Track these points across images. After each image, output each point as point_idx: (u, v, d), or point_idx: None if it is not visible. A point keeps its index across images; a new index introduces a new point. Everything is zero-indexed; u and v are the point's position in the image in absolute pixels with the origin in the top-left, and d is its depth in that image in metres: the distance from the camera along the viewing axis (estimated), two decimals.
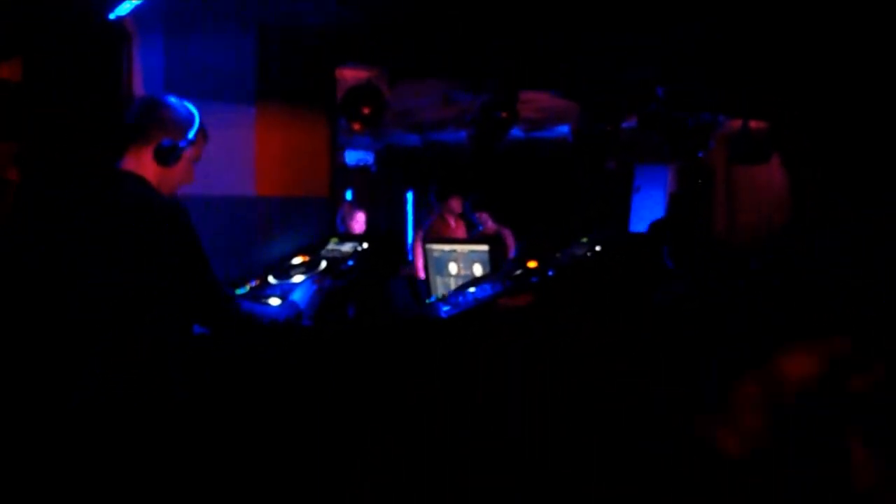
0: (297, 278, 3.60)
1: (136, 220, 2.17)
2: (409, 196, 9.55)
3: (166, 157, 2.35)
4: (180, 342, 2.18)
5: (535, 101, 6.56)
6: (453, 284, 3.70)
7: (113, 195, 2.24)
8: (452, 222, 6.89)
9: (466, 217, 7.24)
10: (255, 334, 2.42)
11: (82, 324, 2.09)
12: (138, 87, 3.72)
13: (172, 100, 2.45)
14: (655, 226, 3.96)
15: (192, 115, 2.43)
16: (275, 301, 3.47)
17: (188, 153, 2.42)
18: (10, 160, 3.20)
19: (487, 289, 2.55)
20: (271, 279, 3.62)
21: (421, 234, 7.05)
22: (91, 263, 2.13)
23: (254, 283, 3.59)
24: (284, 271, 3.69)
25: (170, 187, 2.42)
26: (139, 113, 2.40)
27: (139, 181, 2.32)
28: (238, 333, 2.38)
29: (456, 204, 6.89)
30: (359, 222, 6.81)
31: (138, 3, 3.44)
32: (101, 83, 3.57)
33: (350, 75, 5.14)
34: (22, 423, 2.03)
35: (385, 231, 8.64)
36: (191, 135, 2.40)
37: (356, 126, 5.27)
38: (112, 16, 3.54)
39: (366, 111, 5.21)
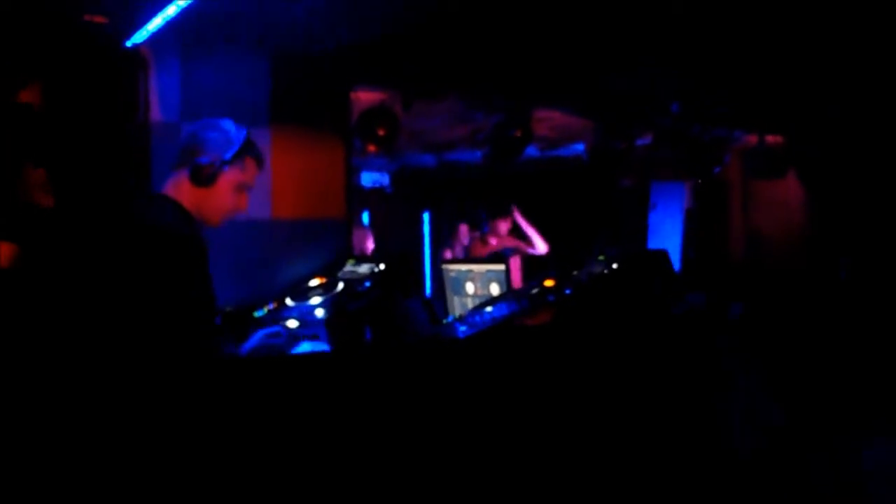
0: (315, 300, 3.61)
1: (138, 249, 2.13)
2: (426, 216, 9.56)
3: (201, 177, 2.28)
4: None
5: (549, 119, 6.57)
6: (470, 304, 3.69)
7: (124, 222, 2.21)
8: (495, 242, 6.69)
9: (482, 231, 7.24)
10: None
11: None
12: (155, 113, 3.75)
13: (221, 121, 2.38)
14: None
15: (235, 136, 2.35)
16: (293, 323, 3.47)
17: (230, 175, 2.33)
18: (43, 187, 3.10)
19: (504, 308, 2.54)
20: (289, 301, 3.63)
21: (449, 252, 7.05)
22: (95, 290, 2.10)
23: (272, 306, 3.60)
24: (302, 293, 3.70)
25: (212, 213, 2.34)
26: (186, 136, 2.35)
27: (166, 206, 2.26)
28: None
29: (504, 226, 6.64)
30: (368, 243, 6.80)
31: (155, 30, 3.49)
32: (119, 110, 3.60)
33: (364, 97, 5.17)
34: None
35: (401, 252, 8.64)
36: (228, 155, 2.32)
37: (371, 148, 5.29)
38: (129, 43, 3.59)
39: (380, 133, 5.23)
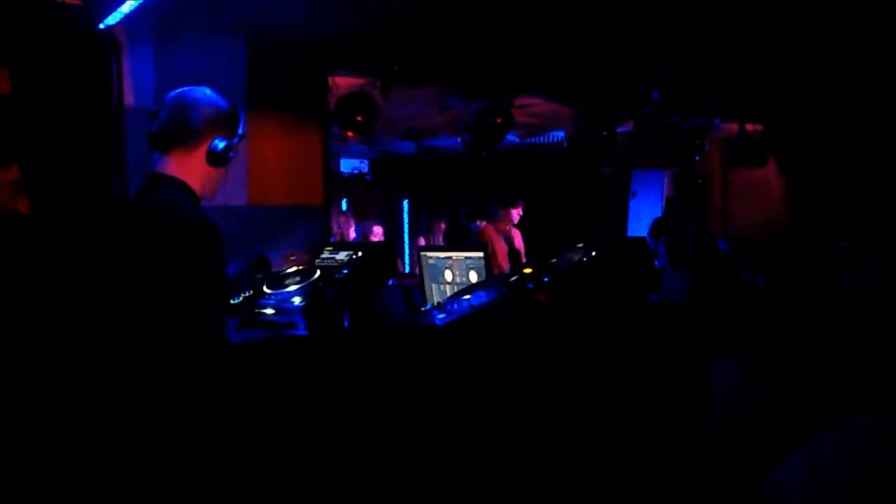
0: (292, 287, 3.56)
1: (163, 239, 2.04)
2: (405, 204, 9.52)
3: (221, 158, 2.20)
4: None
5: (530, 106, 6.54)
6: (449, 292, 3.66)
7: (141, 213, 2.13)
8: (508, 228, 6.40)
9: (463, 225, 7.20)
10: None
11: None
12: (129, 97, 3.69)
13: (207, 92, 2.27)
14: (655, 227, 3.94)
15: (237, 109, 2.27)
16: (269, 311, 3.43)
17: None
18: (15, 190, 2.88)
19: (482, 296, 2.51)
20: (266, 289, 3.59)
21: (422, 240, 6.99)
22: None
23: (248, 293, 3.55)
24: (279, 281, 3.66)
25: (213, 189, 2.27)
26: (181, 113, 2.22)
27: (176, 188, 2.17)
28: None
29: (516, 214, 6.39)
30: (376, 234, 6.74)
31: (128, 12, 3.42)
32: (92, 94, 3.54)
33: (343, 83, 5.12)
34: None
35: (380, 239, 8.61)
36: (241, 129, 2.25)
37: (349, 134, 5.24)
38: (102, 26, 3.52)
39: (359, 119, 5.18)
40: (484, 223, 6.17)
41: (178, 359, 2.01)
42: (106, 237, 2.17)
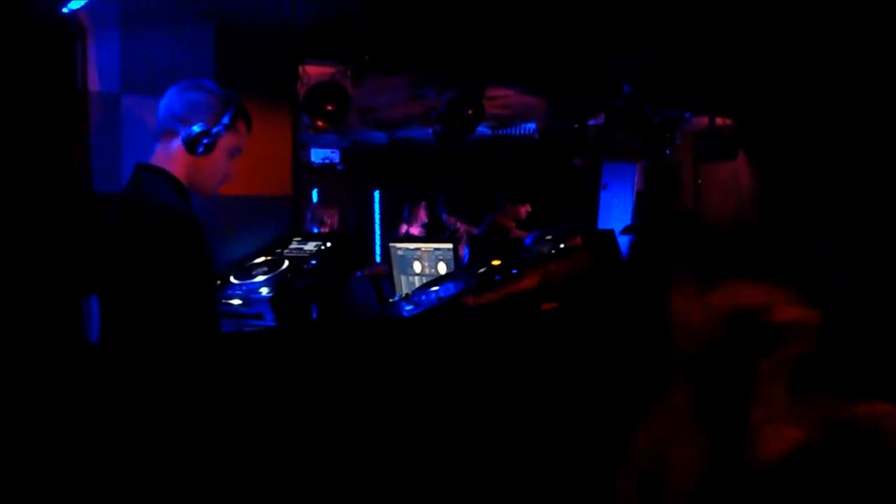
0: (259, 278, 3.53)
1: (145, 231, 2.02)
2: (377, 195, 9.49)
3: (196, 144, 2.12)
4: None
5: (501, 97, 6.53)
6: (418, 283, 3.65)
7: (124, 203, 2.09)
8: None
9: (438, 218, 7.19)
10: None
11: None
12: (94, 84, 3.63)
13: (206, 83, 2.22)
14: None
15: (227, 99, 2.20)
16: (236, 302, 3.40)
17: (225, 141, 2.18)
18: None
19: (451, 287, 2.51)
20: (233, 279, 3.55)
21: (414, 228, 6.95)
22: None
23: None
24: (246, 271, 3.62)
25: (206, 183, 2.20)
26: (169, 101, 2.18)
27: (160, 179, 2.12)
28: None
29: (524, 212, 6.18)
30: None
31: None
32: (54, 81, 3.47)
33: (313, 71, 5.07)
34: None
35: (350, 230, 8.58)
36: (227, 119, 2.16)
37: (319, 123, 5.20)
38: (65, 10, 3.45)
39: (330, 108, 5.14)
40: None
41: (166, 355, 1.98)
42: (84, 228, 2.13)
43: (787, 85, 6.48)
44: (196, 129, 2.14)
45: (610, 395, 2.09)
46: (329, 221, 6.98)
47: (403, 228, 7.23)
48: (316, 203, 8.52)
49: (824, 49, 5.42)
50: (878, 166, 7.33)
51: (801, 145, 8.06)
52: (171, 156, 2.16)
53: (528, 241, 2.65)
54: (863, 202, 7.33)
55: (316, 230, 6.72)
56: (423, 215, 7.67)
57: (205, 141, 2.14)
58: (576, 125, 6.90)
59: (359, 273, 3.62)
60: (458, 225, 6.92)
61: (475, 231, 6.61)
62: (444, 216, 7.08)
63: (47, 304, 2.00)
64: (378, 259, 7.22)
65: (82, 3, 3.39)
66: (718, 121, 8.06)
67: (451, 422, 2.14)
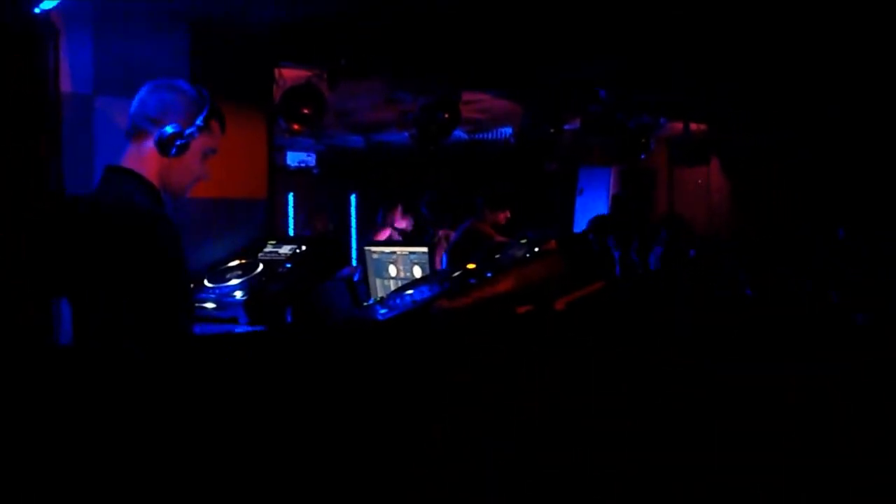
0: (234, 281, 3.52)
1: (116, 234, 2.00)
2: (353, 198, 9.46)
3: (169, 146, 2.09)
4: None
5: (477, 102, 6.55)
6: (393, 286, 3.65)
7: (95, 206, 2.07)
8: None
9: (418, 221, 7.17)
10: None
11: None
12: (66, 86, 3.59)
13: (179, 83, 2.20)
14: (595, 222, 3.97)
15: (200, 99, 2.17)
16: (210, 305, 3.38)
17: (198, 142, 2.15)
18: None
19: (425, 291, 2.50)
20: (206, 283, 3.54)
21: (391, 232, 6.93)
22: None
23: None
24: (220, 274, 3.61)
25: (179, 185, 2.18)
26: (140, 101, 2.15)
27: (133, 183, 2.09)
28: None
29: (503, 218, 5.90)
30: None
31: None
32: (25, 82, 3.44)
33: (289, 74, 5.06)
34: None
35: (326, 234, 8.55)
36: (199, 120, 2.14)
37: (295, 127, 5.18)
38: (37, 10, 3.42)
39: (305, 111, 5.13)
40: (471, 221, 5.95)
41: (139, 357, 1.97)
42: (54, 230, 2.11)
43: (764, 89, 6.54)
44: (169, 129, 2.12)
45: (610, 395, 2.10)
46: (320, 226, 6.96)
47: (387, 233, 7.19)
48: (310, 207, 8.53)
49: (798, 53, 5.47)
50: (875, 167, 7.45)
51: (779, 150, 8.15)
52: (142, 157, 2.14)
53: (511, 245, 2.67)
54: (840, 204, 7.42)
55: (308, 234, 6.73)
56: (398, 218, 7.65)
57: (178, 142, 2.12)
58: (551, 130, 6.92)
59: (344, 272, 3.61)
60: (438, 230, 6.89)
61: (452, 236, 6.59)
62: (428, 214, 7.02)
63: (17, 305, 1.99)
64: (354, 263, 7.20)
65: (55, 3, 3.36)
66: (692, 126, 8.14)
67: (441, 425, 2.15)
